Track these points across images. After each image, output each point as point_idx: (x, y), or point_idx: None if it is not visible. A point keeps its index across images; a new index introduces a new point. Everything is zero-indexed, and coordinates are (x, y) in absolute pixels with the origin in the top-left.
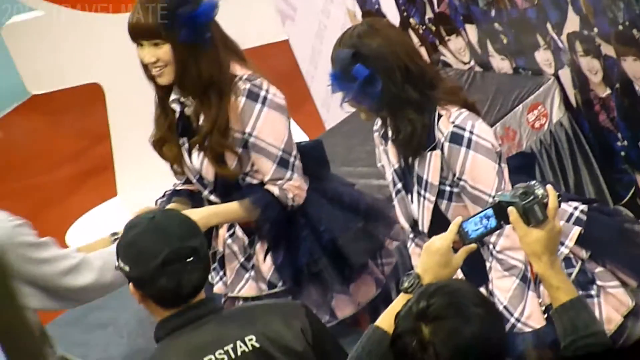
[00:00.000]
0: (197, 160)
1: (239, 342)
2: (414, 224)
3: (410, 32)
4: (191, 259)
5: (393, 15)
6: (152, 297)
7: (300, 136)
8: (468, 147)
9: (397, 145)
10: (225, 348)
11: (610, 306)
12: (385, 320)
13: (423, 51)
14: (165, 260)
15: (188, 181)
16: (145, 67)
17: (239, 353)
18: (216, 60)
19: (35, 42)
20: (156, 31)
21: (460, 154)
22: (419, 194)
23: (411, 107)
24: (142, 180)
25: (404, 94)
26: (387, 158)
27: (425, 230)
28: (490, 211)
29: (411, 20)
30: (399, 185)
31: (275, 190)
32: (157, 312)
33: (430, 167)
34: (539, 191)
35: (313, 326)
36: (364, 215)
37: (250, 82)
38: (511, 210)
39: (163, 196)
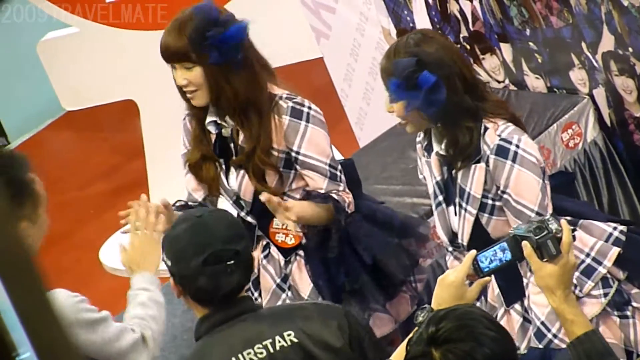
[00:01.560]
0: (236, 182)
1: (277, 338)
2: (453, 237)
3: (446, 44)
4: (232, 262)
5: None
6: (190, 295)
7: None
8: (514, 161)
9: (449, 154)
10: (264, 343)
11: None
12: (399, 355)
13: None
14: (206, 260)
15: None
16: (180, 88)
17: (277, 348)
18: (252, 80)
19: (70, 59)
20: (186, 54)
21: (505, 167)
22: (460, 206)
23: (468, 116)
24: (176, 196)
25: (464, 102)
26: (429, 170)
27: (465, 244)
28: (504, 244)
29: None
30: (440, 198)
31: (334, 197)
32: (196, 308)
33: (474, 180)
34: (553, 226)
35: (352, 327)
36: (397, 232)
37: (292, 101)
38: (525, 244)
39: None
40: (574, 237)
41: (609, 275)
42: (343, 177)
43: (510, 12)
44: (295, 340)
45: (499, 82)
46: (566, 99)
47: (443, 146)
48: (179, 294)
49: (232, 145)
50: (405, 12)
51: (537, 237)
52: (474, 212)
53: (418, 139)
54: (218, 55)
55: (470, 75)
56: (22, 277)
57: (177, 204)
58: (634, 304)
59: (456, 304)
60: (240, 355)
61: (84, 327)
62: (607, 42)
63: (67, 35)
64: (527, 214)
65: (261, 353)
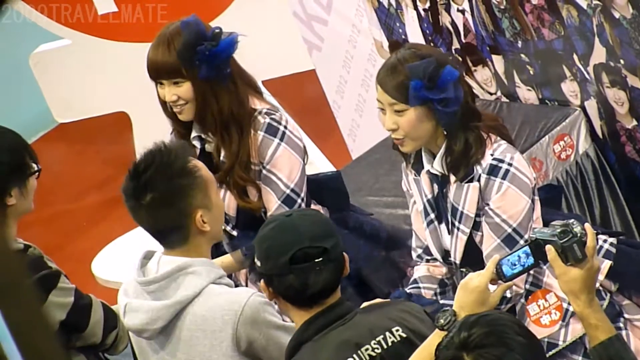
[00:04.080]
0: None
1: (387, 334)
2: (445, 254)
3: (443, 52)
4: (320, 259)
5: None
6: (280, 294)
7: (326, 166)
8: (504, 177)
9: (449, 163)
10: (378, 339)
11: (637, 339)
12: (419, 358)
13: None
14: (293, 257)
15: None
16: (164, 105)
17: (389, 343)
18: (236, 95)
19: (63, 71)
20: (176, 70)
21: (495, 184)
22: (453, 225)
23: (475, 119)
24: None
25: (471, 104)
26: (418, 189)
27: (457, 261)
28: (527, 249)
29: None
30: (432, 216)
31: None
32: (292, 311)
33: (467, 199)
34: (577, 229)
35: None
36: (385, 244)
37: (270, 117)
38: (549, 248)
39: None
40: (597, 241)
41: (601, 288)
42: (303, 206)
43: (502, 24)
44: (404, 335)
45: (490, 94)
46: (558, 110)
47: (443, 160)
48: (271, 296)
49: (215, 160)
50: (398, 24)
51: (562, 241)
52: (467, 230)
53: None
54: (208, 70)
55: (467, 82)
56: (13, 289)
57: None
58: (626, 315)
59: (479, 308)
60: (359, 352)
61: (270, 327)
62: (599, 54)
63: (60, 48)
64: (505, 229)
65: (377, 349)
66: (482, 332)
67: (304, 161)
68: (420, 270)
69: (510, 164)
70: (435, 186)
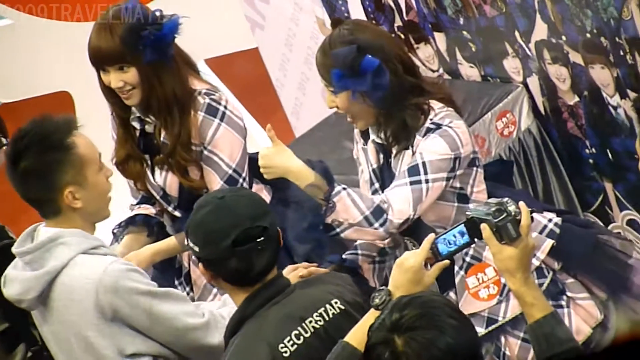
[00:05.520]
0: (161, 177)
1: (328, 306)
2: None
3: (379, 30)
4: (262, 238)
5: None
6: (223, 277)
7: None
8: (435, 132)
9: (389, 140)
10: (319, 311)
11: (579, 317)
12: (355, 336)
13: None
14: (235, 240)
15: (143, 200)
16: (107, 90)
17: (330, 315)
18: (178, 77)
19: (4, 51)
20: (121, 56)
21: (428, 137)
22: None
23: (414, 94)
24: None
25: (407, 82)
26: (366, 157)
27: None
28: (463, 227)
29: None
30: (377, 185)
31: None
32: (232, 291)
33: (403, 165)
34: (512, 208)
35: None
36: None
37: (209, 97)
38: (484, 227)
39: (120, 225)
40: (532, 219)
41: (543, 266)
42: (246, 186)
43: (444, 2)
44: (343, 307)
45: (433, 71)
46: (500, 87)
47: (382, 134)
48: (210, 279)
49: (156, 141)
50: (340, 2)
51: (496, 220)
52: None
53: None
54: (152, 54)
55: (407, 57)
56: None
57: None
58: (569, 293)
59: (414, 287)
60: (303, 324)
61: (138, 294)
62: (541, 31)
63: (2, 27)
64: (414, 164)
65: (320, 321)
66: (414, 314)
67: (244, 140)
68: None
69: (449, 126)
70: (381, 156)
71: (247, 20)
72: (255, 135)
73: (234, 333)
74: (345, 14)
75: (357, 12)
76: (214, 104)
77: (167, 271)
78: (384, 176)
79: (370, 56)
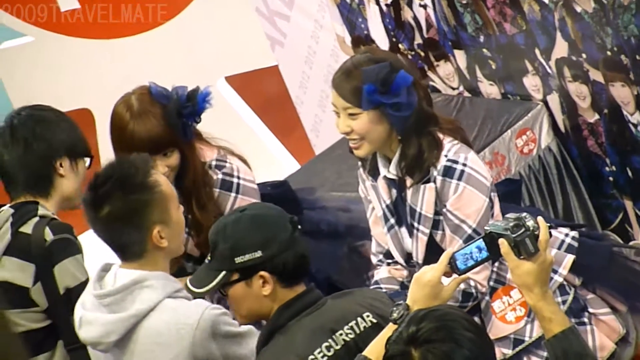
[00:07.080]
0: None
1: (359, 319)
2: (407, 257)
3: (399, 57)
4: (300, 227)
5: (382, 41)
6: (283, 274)
7: (289, 162)
8: (459, 179)
9: (404, 168)
10: (350, 324)
11: (602, 333)
12: (374, 350)
13: None
14: (293, 226)
15: None
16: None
17: (361, 328)
18: (196, 151)
19: (26, 68)
20: (172, 141)
21: (452, 185)
22: (412, 226)
23: (431, 122)
24: None
25: (425, 108)
26: (377, 194)
27: (420, 262)
28: (481, 242)
29: (400, 45)
30: (392, 221)
31: None
32: (275, 295)
33: (425, 200)
34: (530, 223)
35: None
36: (344, 236)
37: (222, 172)
38: (502, 242)
39: None
40: (550, 234)
41: (565, 283)
42: None
43: (464, 19)
44: (374, 320)
45: (453, 88)
46: (520, 105)
47: (396, 160)
48: (271, 290)
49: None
50: (360, 20)
51: (514, 235)
52: (427, 231)
53: (359, 164)
54: (191, 132)
55: (424, 85)
56: None
57: None
58: (590, 309)
59: (431, 302)
60: (334, 337)
61: (226, 339)
62: (561, 49)
63: (23, 45)
64: (465, 230)
65: (350, 334)
66: (430, 327)
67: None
68: (381, 272)
69: (464, 164)
70: (394, 191)
71: (267, 38)
72: (274, 152)
73: (265, 344)
74: (365, 32)
75: (377, 30)
76: (227, 178)
77: None
78: (398, 211)
79: (404, 72)
